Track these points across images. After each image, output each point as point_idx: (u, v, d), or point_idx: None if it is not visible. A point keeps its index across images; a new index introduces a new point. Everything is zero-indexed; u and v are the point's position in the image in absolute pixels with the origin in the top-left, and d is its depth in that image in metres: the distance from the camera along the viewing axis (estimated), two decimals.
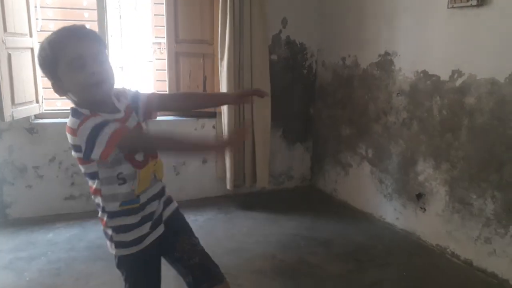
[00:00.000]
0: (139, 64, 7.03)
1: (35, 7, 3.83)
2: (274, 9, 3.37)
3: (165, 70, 3.68)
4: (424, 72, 2.63)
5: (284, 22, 3.49)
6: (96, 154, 1.08)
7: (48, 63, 1.11)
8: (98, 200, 1.24)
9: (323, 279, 2.32)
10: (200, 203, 3.40)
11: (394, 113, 2.90)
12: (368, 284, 2.27)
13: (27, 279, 2.27)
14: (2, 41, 2.56)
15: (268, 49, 3.29)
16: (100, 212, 1.27)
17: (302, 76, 3.68)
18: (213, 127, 3.42)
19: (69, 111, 1.14)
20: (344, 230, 2.96)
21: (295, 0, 3.50)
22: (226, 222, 3.10)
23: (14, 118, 2.71)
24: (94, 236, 2.79)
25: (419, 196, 2.72)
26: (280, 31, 3.50)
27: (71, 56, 1.09)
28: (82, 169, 1.22)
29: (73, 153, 1.16)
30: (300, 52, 3.62)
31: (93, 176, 1.20)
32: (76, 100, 1.15)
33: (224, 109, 3.21)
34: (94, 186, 1.22)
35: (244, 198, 3.50)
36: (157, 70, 6.55)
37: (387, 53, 2.92)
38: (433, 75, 2.57)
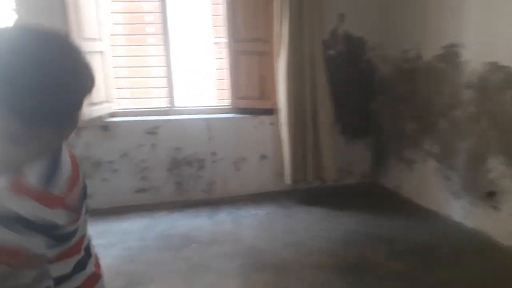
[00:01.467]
0: (200, 64, 7.27)
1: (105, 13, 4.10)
2: (332, 4, 3.35)
3: (224, 69, 3.80)
4: (494, 64, 2.49)
5: (342, 16, 3.45)
6: None
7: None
8: None
9: (385, 277, 2.29)
10: (260, 198, 3.48)
11: (462, 107, 2.77)
12: (435, 285, 2.21)
13: (105, 265, 2.47)
14: None
15: (325, 44, 3.28)
16: None
17: (361, 70, 3.62)
18: (271, 124, 3.47)
19: None
20: (408, 228, 2.89)
21: None
22: (286, 217, 3.15)
23: (91, 117, 2.95)
24: (163, 227, 2.98)
25: (491, 194, 2.58)
26: (338, 26, 3.47)
27: None
28: None
29: None
30: (358, 46, 3.56)
31: None
32: None
33: (282, 104, 3.24)
34: None
35: (303, 194, 3.52)
36: (216, 69, 6.73)
37: (452, 45, 2.79)
38: (504, 67, 2.42)
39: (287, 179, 3.35)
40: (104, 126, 3.18)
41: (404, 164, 3.41)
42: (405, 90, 3.33)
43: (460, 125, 2.80)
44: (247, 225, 3.01)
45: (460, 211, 2.84)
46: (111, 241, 2.76)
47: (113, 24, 6.10)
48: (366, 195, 3.60)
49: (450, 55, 2.82)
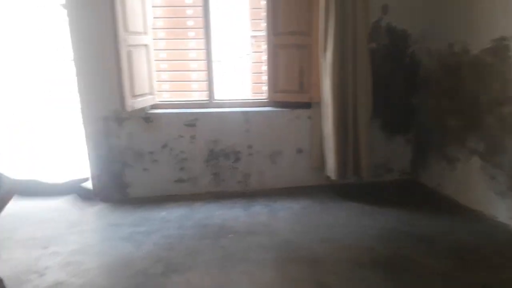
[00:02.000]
0: (237, 57, 7.32)
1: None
2: None
3: (260, 62, 3.83)
4: None
5: (385, 8, 3.36)
6: None
7: None
8: None
9: (424, 275, 2.24)
10: (295, 192, 3.48)
11: (510, 103, 2.64)
12: (474, 285, 2.14)
13: (144, 250, 2.57)
14: (124, 39, 2.90)
15: (368, 37, 3.21)
16: None
17: (404, 64, 3.52)
18: (309, 117, 3.45)
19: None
20: (448, 227, 2.80)
21: None
22: (322, 212, 3.13)
23: (134, 108, 3.06)
24: (200, 216, 3.05)
25: None
26: (380, 18, 3.38)
27: None
28: None
29: None
30: (401, 39, 3.46)
31: None
32: None
33: (327, 97, 3.19)
34: None
35: (340, 189, 3.49)
36: (253, 63, 6.76)
37: (502, 38, 2.66)
38: None
39: (332, 174, 3.31)
40: (146, 118, 3.28)
41: (446, 162, 3.29)
42: (449, 85, 3.21)
43: (508, 122, 2.67)
44: (282, 218, 3.02)
45: (507, 212, 2.72)
46: (150, 228, 2.86)
47: (154, 18, 6.26)
48: (405, 192, 3.51)
49: (500, 49, 2.68)
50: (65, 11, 3.13)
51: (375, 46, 3.41)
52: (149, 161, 3.35)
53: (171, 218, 3.03)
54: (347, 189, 3.49)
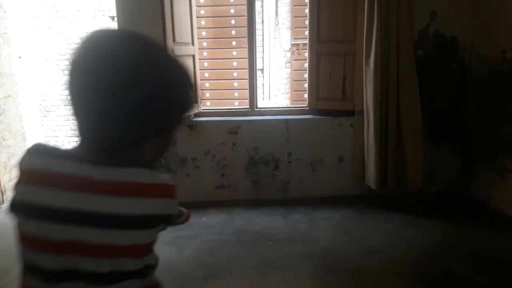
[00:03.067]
0: (278, 65, 7.36)
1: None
2: (422, 1, 3.19)
3: (301, 70, 3.83)
4: None
5: (433, 14, 3.27)
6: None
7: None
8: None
9: None
10: (335, 201, 3.43)
11: None
12: None
13: (187, 255, 2.64)
14: (172, 49, 3.01)
15: (415, 44, 3.14)
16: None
17: (452, 71, 3.40)
18: (351, 125, 3.41)
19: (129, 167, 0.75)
20: (498, 241, 2.66)
21: None
22: (363, 222, 3.07)
23: None
24: (240, 223, 3.08)
25: None
26: (428, 25, 3.29)
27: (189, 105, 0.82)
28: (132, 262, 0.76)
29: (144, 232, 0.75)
30: (450, 46, 3.35)
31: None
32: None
33: (369, 105, 3.15)
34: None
35: (382, 199, 3.40)
36: (294, 70, 6.78)
37: None
38: None
39: (372, 183, 3.25)
40: (190, 125, 3.38)
41: (496, 173, 3.13)
42: (501, 93, 3.06)
43: None
44: (322, 227, 3.00)
45: None
46: (192, 233, 2.92)
47: (198, 28, 6.44)
48: (451, 204, 3.38)
49: None
50: (115, 23, 3.30)
51: (423, 53, 3.33)
52: (192, 167, 3.44)
53: (212, 223, 3.09)
54: (390, 199, 3.40)
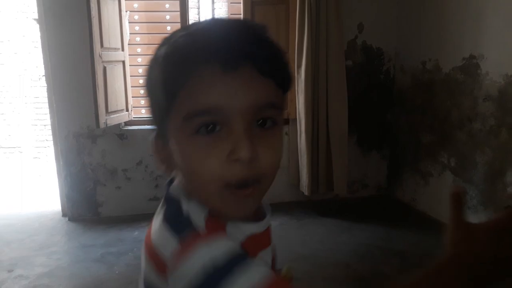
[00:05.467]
0: None
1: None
2: (350, 14, 3.34)
3: None
4: None
5: (361, 27, 3.44)
6: None
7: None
8: None
9: None
10: (273, 208, 3.36)
11: (480, 120, 2.70)
12: None
13: (117, 272, 2.49)
14: (99, 55, 2.86)
15: (343, 55, 3.27)
16: None
17: (379, 81, 3.59)
18: (286, 133, 3.46)
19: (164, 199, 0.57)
20: (423, 242, 2.82)
21: (372, 4, 3.43)
22: (299, 228, 3.11)
23: (108, 125, 3.00)
24: None
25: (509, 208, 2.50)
26: (356, 37, 3.45)
27: (202, 104, 0.48)
28: None
29: None
30: (376, 57, 3.53)
31: None
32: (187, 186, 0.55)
33: (301, 114, 3.22)
34: None
35: (318, 205, 3.48)
36: None
37: (472, 56, 2.74)
38: None
39: (304, 190, 3.32)
40: (120, 134, 3.22)
41: (420, 177, 3.34)
42: (422, 102, 3.28)
43: (478, 138, 2.73)
44: None
45: None
46: (123, 249, 2.77)
47: (131, 34, 6.23)
48: (381, 208, 3.54)
49: (470, 66, 2.77)
50: (37, 25, 3.08)
51: (351, 63, 3.47)
52: (122, 179, 3.28)
53: (144, 237, 2.95)
54: (325, 205, 3.49)
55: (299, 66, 3.16)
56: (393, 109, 3.64)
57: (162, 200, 0.56)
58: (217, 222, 0.51)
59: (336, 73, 3.18)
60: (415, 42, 3.33)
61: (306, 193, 3.31)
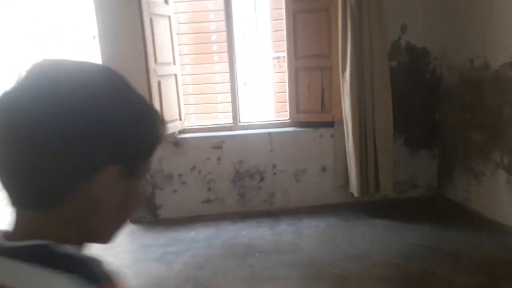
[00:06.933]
0: (260, 78, 7.49)
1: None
2: (393, 15, 3.35)
3: (284, 82, 3.94)
4: None
5: (404, 27, 3.43)
6: None
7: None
8: None
9: None
10: (320, 210, 3.52)
11: None
12: None
13: (176, 270, 2.68)
14: (154, 70, 3.09)
15: (387, 56, 3.28)
16: None
17: (425, 81, 3.56)
18: (331, 136, 3.52)
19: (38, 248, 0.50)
20: (475, 242, 2.78)
21: (415, 4, 3.42)
22: (347, 229, 3.16)
23: (165, 134, 3.22)
24: (227, 236, 3.14)
25: None
26: (400, 37, 3.45)
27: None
28: None
29: None
30: (422, 56, 3.51)
31: None
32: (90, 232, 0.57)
33: (347, 116, 3.27)
34: None
35: (365, 206, 3.51)
36: (276, 83, 6.91)
37: None
38: None
39: (354, 191, 3.36)
40: (175, 142, 3.45)
41: (472, 176, 3.27)
42: (471, 100, 3.22)
43: None
44: (308, 236, 3.08)
45: None
46: (180, 249, 2.97)
47: (179, 44, 6.54)
48: (431, 208, 3.50)
49: None
50: (98, 44, 3.36)
51: (396, 64, 3.48)
52: (178, 183, 3.50)
53: (200, 238, 3.15)
54: (373, 206, 3.51)
55: (343, 70, 3.22)
56: (441, 108, 3.59)
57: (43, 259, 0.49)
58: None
59: (380, 74, 3.20)
60: (462, 40, 3.28)
61: (356, 194, 3.35)
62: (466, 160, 3.34)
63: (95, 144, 0.50)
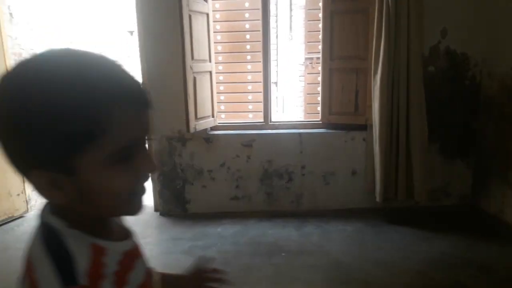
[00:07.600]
0: (292, 79, 7.48)
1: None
2: (433, 19, 3.27)
3: (315, 84, 3.94)
4: None
5: (444, 32, 3.35)
6: None
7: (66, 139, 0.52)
8: None
9: None
10: (348, 214, 3.49)
11: None
12: None
13: None
14: (190, 67, 3.15)
15: (423, 61, 3.21)
16: None
17: (464, 87, 3.45)
18: (364, 139, 3.48)
19: (40, 227, 0.60)
20: (509, 255, 2.68)
21: (456, 9, 3.32)
22: (375, 235, 3.12)
23: (196, 130, 3.28)
24: (254, 233, 3.17)
25: None
26: (439, 42, 3.37)
27: (123, 142, 0.55)
28: None
29: None
30: (461, 62, 3.41)
31: None
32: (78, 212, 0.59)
33: (375, 120, 3.24)
34: None
35: (395, 213, 3.45)
36: (308, 84, 6.88)
37: None
38: None
39: (377, 196, 3.32)
40: (207, 138, 3.50)
41: (508, 187, 3.16)
42: (511, 109, 3.11)
43: None
44: (335, 239, 3.06)
45: None
46: (208, 243, 3.02)
47: (214, 43, 6.61)
48: (463, 218, 3.40)
49: None
50: (134, 38, 3.45)
51: (433, 69, 3.40)
52: (208, 179, 3.55)
53: (227, 234, 3.18)
54: (402, 213, 3.45)
55: (375, 73, 3.18)
56: (479, 116, 3.48)
57: (39, 223, 0.59)
58: (99, 263, 0.57)
59: (414, 79, 3.14)
60: (504, 47, 3.16)
61: (377, 199, 3.31)
62: (503, 171, 3.22)
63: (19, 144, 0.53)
